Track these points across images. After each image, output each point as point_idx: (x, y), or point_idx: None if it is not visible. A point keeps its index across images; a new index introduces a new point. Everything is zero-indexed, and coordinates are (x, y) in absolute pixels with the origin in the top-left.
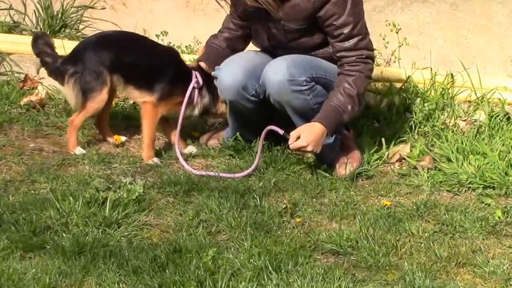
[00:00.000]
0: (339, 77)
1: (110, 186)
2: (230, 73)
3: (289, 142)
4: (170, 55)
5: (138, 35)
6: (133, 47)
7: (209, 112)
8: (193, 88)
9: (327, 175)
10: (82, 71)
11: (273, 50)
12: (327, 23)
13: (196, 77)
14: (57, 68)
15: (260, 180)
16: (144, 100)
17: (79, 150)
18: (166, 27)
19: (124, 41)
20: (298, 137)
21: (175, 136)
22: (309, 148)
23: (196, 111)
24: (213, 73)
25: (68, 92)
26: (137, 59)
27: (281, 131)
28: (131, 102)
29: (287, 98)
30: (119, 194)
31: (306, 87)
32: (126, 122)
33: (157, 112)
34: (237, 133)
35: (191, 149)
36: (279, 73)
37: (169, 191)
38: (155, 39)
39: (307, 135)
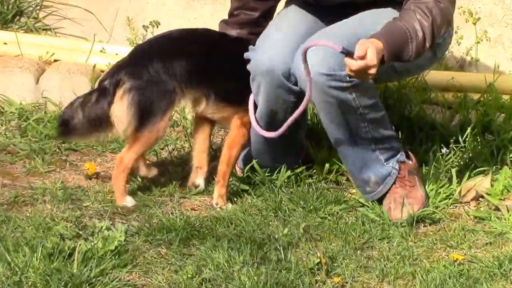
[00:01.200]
0: (407, 4)
1: (80, 232)
2: (267, 55)
3: (355, 58)
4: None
5: (216, 32)
6: (216, 50)
7: None
8: None
9: (377, 218)
10: (144, 86)
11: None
12: None
13: None
14: (104, 78)
15: (284, 224)
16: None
17: (130, 201)
18: (158, 15)
19: (203, 42)
20: (364, 56)
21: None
22: (373, 71)
23: None
24: (245, 55)
25: (119, 113)
26: (226, 65)
27: (337, 47)
28: None
29: (321, 98)
30: (92, 244)
31: (349, 84)
32: (102, 146)
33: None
34: (254, 160)
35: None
36: (313, 61)
37: (161, 240)
38: (141, 31)
39: (373, 51)
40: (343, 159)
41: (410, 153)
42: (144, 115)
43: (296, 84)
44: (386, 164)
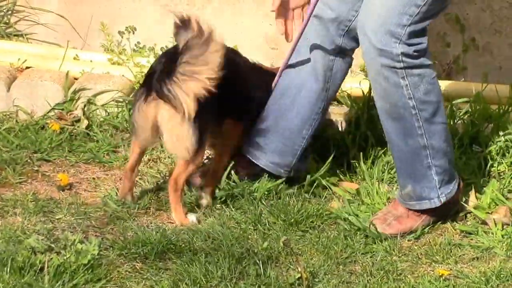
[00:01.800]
0: None
1: (52, 245)
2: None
3: None
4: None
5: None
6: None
7: None
8: None
9: (362, 231)
10: (208, 106)
11: None
12: None
13: None
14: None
15: (264, 238)
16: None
17: (194, 217)
18: (134, 21)
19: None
20: None
21: None
22: None
23: None
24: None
25: (183, 135)
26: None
27: None
28: (84, 127)
29: (371, 75)
30: (65, 257)
31: (401, 64)
32: (75, 156)
33: None
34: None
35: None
36: (369, 29)
37: (136, 253)
38: (117, 37)
39: None
40: (392, 155)
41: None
42: (203, 137)
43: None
44: (438, 188)
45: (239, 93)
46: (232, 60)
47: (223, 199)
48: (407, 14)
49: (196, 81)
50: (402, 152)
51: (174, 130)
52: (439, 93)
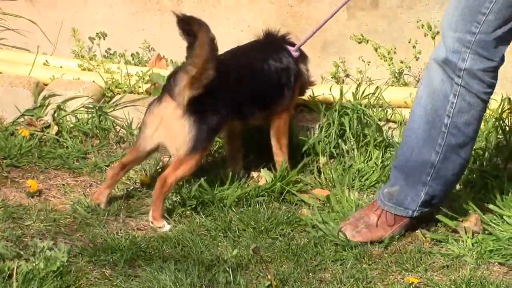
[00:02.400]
0: None
1: (21, 252)
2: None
3: None
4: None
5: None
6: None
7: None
8: None
9: (332, 239)
10: (214, 107)
11: None
12: None
13: None
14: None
15: (234, 245)
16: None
17: (167, 226)
18: (105, 26)
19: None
20: None
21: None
22: None
23: None
24: None
25: (179, 129)
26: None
27: None
28: (54, 133)
29: (432, 67)
30: (34, 264)
31: (459, 81)
32: (45, 162)
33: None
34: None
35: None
36: (444, 38)
37: (105, 260)
38: (88, 43)
39: None
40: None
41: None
42: (203, 139)
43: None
44: (419, 205)
45: (252, 82)
46: (232, 53)
47: (193, 206)
48: (474, 21)
49: (184, 73)
50: (413, 152)
51: (171, 125)
52: (477, 131)
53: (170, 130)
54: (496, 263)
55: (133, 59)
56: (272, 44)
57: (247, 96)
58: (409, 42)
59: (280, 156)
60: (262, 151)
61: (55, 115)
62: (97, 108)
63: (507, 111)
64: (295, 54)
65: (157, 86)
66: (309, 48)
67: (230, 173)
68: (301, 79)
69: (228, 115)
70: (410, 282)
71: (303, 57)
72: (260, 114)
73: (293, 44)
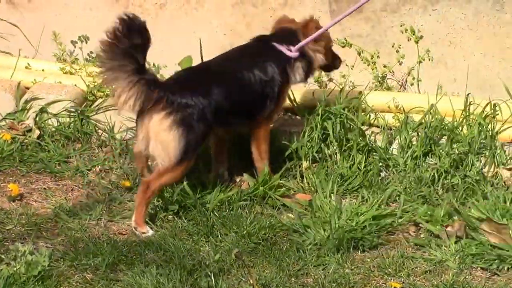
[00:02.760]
0: None
1: (2, 256)
2: None
3: None
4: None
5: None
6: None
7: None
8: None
9: (314, 243)
10: (198, 113)
11: None
12: None
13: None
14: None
15: (216, 250)
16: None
17: (150, 231)
18: (87, 29)
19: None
20: None
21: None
22: None
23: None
24: None
25: (164, 138)
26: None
27: None
28: (35, 137)
29: None
30: (15, 269)
31: None
32: (27, 166)
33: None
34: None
35: None
36: None
37: (87, 264)
38: (70, 46)
39: None
40: None
41: None
42: (189, 148)
43: None
44: None
45: (237, 93)
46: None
47: (175, 210)
48: None
49: None
50: None
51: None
52: None
53: (157, 139)
54: (479, 268)
55: None
56: (261, 50)
57: (233, 107)
58: (393, 46)
59: (259, 162)
60: (244, 155)
61: (37, 118)
62: (79, 112)
63: (490, 116)
64: (294, 54)
65: None
66: None
67: (213, 177)
68: (286, 87)
69: (215, 124)
70: (393, 287)
71: (303, 56)
72: (245, 123)
73: (295, 42)
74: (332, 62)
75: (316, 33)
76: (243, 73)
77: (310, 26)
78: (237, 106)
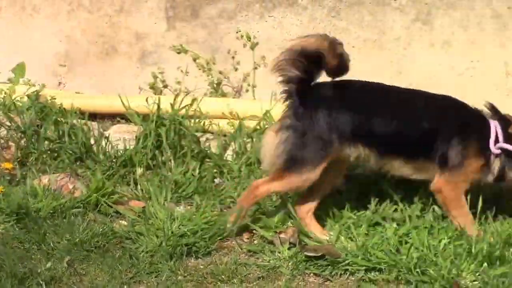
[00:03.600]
0: None
1: None
2: None
3: None
4: (446, 104)
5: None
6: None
7: (504, 177)
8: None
9: (147, 250)
10: (304, 130)
11: None
12: None
13: (496, 130)
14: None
15: (48, 258)
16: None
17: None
18: None
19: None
20: None
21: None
22: None
23: (491, 176)
24: None
25: (270, 143)
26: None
27: None
28: None
29: None
30: None
31: None
32: None
33: (458, 187)
34: None
35: None
36: None
37: None
38: None
39: None
40: None
41: None
42: (293, 160)
43: None
44: None
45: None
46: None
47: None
48: None
49: None
50: None
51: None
52: None
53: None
54: (312, 274)
55: None
56: None
57: None
58: (228, 52)
59: None
60: None
61: None
62: None
63: None
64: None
65: None
66: (126, 59)
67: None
68: None
69: None
70: None
71: None
72: None
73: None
74: None
75: None
76: None
77: None
78: None
